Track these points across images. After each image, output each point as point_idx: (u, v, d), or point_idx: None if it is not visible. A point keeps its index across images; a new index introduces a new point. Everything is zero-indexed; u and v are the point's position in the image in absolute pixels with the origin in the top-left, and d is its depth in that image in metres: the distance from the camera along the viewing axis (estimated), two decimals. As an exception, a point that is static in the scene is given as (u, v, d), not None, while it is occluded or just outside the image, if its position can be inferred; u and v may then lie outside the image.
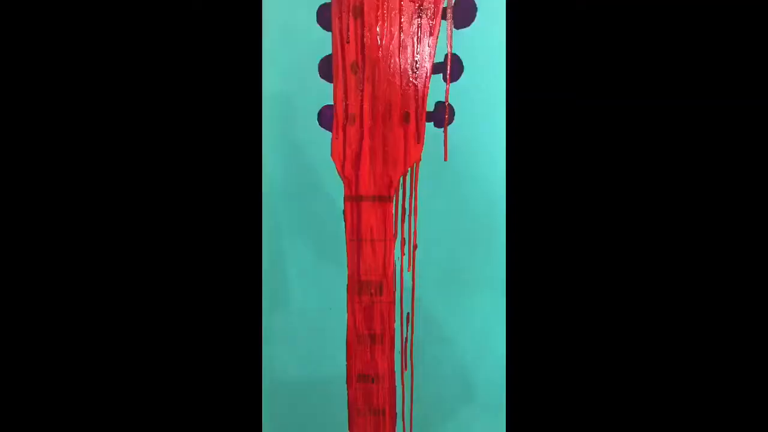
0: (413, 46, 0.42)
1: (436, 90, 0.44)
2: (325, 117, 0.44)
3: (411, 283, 0.52)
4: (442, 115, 0.44)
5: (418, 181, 0.47)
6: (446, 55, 0.43)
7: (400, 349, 0.55)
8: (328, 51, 0.43)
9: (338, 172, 0.46)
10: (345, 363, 0.52)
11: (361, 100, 0.44)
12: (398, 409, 0.54)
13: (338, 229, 0.48)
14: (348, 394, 0.53)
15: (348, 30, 0.42)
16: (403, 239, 0.50)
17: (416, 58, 0.43)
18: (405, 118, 0.44)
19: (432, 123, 0.44)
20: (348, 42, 0.42)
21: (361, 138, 0.45)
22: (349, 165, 0.45)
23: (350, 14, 0.42)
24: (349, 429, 0.54)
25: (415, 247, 0.51)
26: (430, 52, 0.43)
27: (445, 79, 0.43)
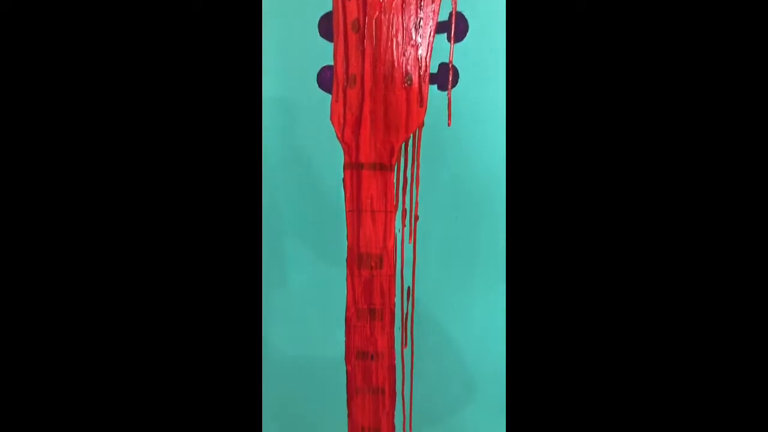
0: (417, 2, 0.41)
1: (440, 50, 0.42)
2: (325, 78, 0.42)
3: (412, 256, 0.51)
4: (446, 77, 0.43)
5: (420, 149, 0.46)
6: (450, 13, 0.41)
7: (400, 326, 0.53)
8: (329, 10, 0.41)
9: (338, 138, 0.44)
10: (344, 340, 0.51)
11: (362, 61, 0.42)
12: (398, 388, 0.53)
13: (338, 199, 0.47)
14: (347, 371, 0.52)
15: (349, -14, 0.41)
16: (404, 210, 0.49)
17: (420, 16, 0.41)
18: (407, 79, 0.42)
19: (435, 86, 0.43)
20: (349, -2, 0.41)
21: (362, 101, 0.43)
22: (349, 130, 0.44)
23: (351, -31, 0.41)
24: (347, 408, 0.53)
25: (417, 218, 0.50)
26: (434, 9, 0.41)
27: (449, 39, 0.42)
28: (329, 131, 0.44)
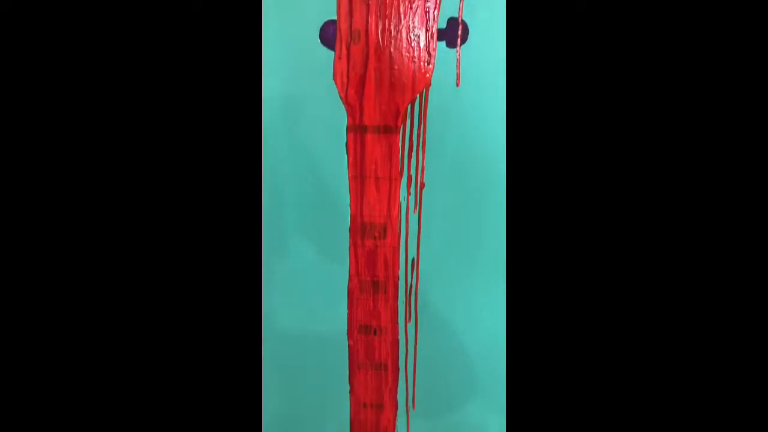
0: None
1: (448, 4, 0.40)
2: (328, 33, 0.40)
3: (417, 226, 0.49)
4: (455, 32, 0.41)
5: (427, 110, 0.44)
6: (461, -37, 0.39)
7: (404, 299, 0.52)
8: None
9: (341, 98, 0.42)
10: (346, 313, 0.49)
11: (367, 15, 0.40)
12: (401, 364, 0.51)
13: (341, 167, 0.45)
14: (349, 346, 0.50)
15: (353, -68, 0.38)
16: (409, 177, 0.47)
17: (428, -35, 0.39)
18: (414, 35, 0.40)
19: (443, 42, 0.41)
20: (353, -54, 0.39)
21: (367, 58, 0.41)
22: (352, 90, 0.42)
23: None
24: (349, 384, 0.51)
25: (423, 186, 0.48)
26: (444, -42, 0.39)
27: (458, -9, 0.39)
28: (332, 90, 0.42)
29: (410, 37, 0.40)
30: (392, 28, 0.40)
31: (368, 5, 0.40)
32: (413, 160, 0.46)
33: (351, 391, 0.52)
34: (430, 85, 0.42)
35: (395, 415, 0.53)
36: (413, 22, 0.40)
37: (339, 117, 0.43)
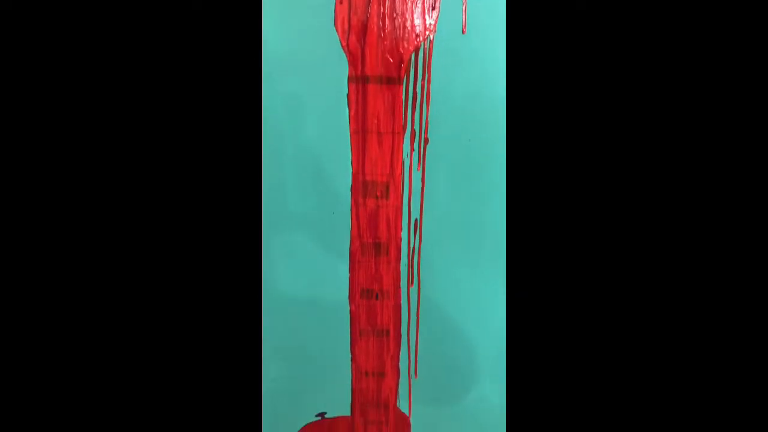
0: None
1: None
2: (328, -26, 0.38)
3: (420, 185, 0.47)
4: (462, -26, 0.39)
5: (432, 60, 0.42)
6: None
7: (406, 262, 0.50)
8: None
9: (342, 47, 0.40)
10: (348, 278, 0.47)
11: (370, -46, 0.38)
12: (403, 330, 0.50)
13: (341, 121, 0.43)
14: (350, 311, 0.49)
15: None
16: (413, 132, 0.45)
17: None
18: (419, -24, 0.39)
19: (450, -15, 0.39)
20: None
21: (369, 2, 0.39)
22: (354, 37, 0.40)
23: None
24: (351, 352, 0.50)
25: (427, 141, 0.46)
26: None
27: (466, -71, 0.38)
28: (333, 38, 0.40)
29: (415, -21, 0.39)
30: (396, -31, 0.38)
31: (371, -56, 0.38)
32: (417, 113, 0.44)
33: (352, 359, 0.50)
34: (434, 32, 0.40)
35: (397, 384, 0.52)
36: (418, -37, 0.38)
37: (340, 68, 0.42)
